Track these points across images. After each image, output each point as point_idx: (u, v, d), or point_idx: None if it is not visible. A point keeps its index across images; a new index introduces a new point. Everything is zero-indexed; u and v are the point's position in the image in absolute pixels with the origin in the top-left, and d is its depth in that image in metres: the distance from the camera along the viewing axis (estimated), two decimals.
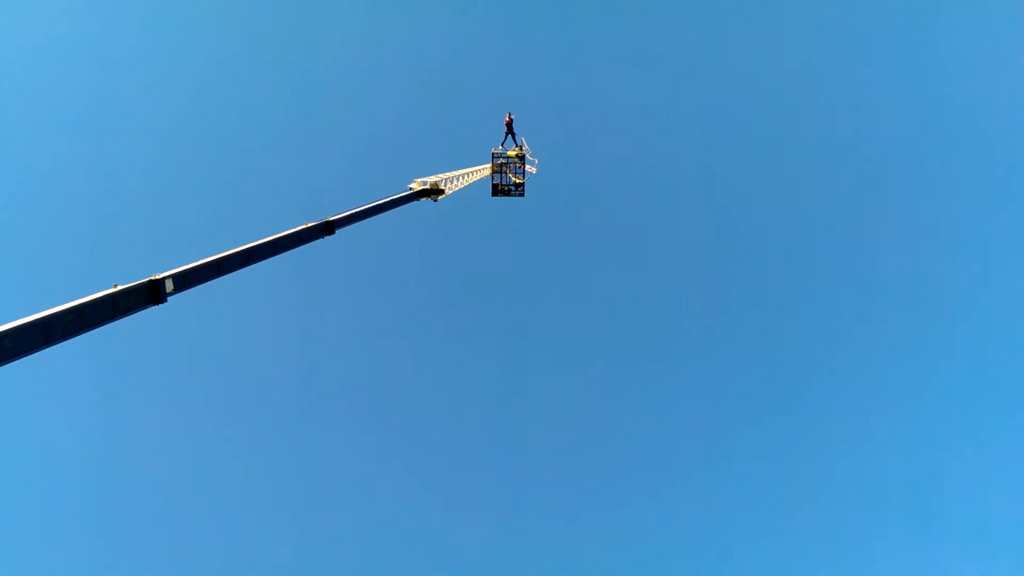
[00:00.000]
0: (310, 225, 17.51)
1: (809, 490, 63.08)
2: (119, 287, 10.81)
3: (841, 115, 69.30)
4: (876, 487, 62.00)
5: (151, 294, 11.56)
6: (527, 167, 35.17)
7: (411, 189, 26.54)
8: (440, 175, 28.62)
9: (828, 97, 69.21)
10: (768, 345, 68.75)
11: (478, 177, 33.99)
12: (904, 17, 63.82)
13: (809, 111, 70.08)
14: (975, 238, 63.98)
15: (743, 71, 69.47)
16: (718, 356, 69.27)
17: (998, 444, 61.33)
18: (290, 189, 68.72)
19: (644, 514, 63.30)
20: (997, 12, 60.92)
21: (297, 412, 66.14)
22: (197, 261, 13.03)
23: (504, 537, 62.48)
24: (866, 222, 67.76)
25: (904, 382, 65.02)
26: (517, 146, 34.90)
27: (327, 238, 18.56)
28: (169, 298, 11.97)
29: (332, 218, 18.67)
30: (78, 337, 9.99)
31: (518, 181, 35.70)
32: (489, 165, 35.16)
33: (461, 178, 31.35)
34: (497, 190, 36.10)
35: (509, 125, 34.81)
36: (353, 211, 20.08)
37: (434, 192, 27.97)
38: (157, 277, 11.69)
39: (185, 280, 12.52)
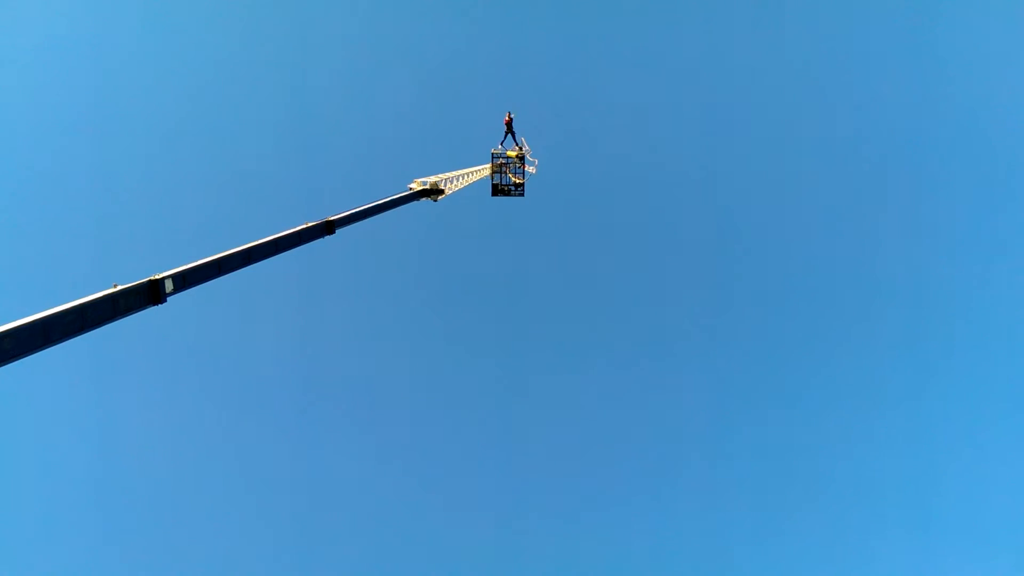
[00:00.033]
0: (310, 225, 17.51)
1: (809, 490, 63.17)
2: (119, 287, 10.81)
3: (841, 115, 69.36)
4: (876, 487, 62.10)
5: (151, 294, 11.55)
6: (527, 167, 35.18)
7: (411, 189, 26.54)
8: (440, 175, 28.62)
9: (828, 97, 69.30)
10: (768, 345, 68.84)
11: (478, 177, 33.99)
12: (904, 17, 63.89)
13: (809, 111, 70.17)
14: (975, 238, 64.06)
15: (743, 71, 69.54)
16: (718, 356, 69.35)
17: (998, 444, 61.42)
18: (290, 189, 68.78)
19: (644, 514, 63.37)
20: (997, 12, 60.98)
21: (297, 412, 66.22)
22: (197, 261, 13.02)
23: (504, 537, 62.54)
24: (866, 222, 67.82)
25: (904, 382, 65.10)
26: (517, 146, 34.90)
27: (327, 238, 18.57)
28: (169, 298, 11.96)
29: (332, 218, 18.68)
30: (78, 337, 9.99)
31: (518, 181, 35.70)
32: (489, 165, 35.17)
33: (461, 178, 31.35)
34: (497, 190, 36.11)
35: (509, 124, 34.81)
36: (353, 211, 20.08)
37: (434, 192, 27.97)
38: (157, 277, 11.68)
39: (185, 280, 12.51)
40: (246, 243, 14.76)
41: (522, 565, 60.42)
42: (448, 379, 70.41)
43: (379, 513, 63.08)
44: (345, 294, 71.87)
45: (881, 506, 61.23)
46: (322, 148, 70.47)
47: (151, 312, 11.68)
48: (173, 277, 12.10)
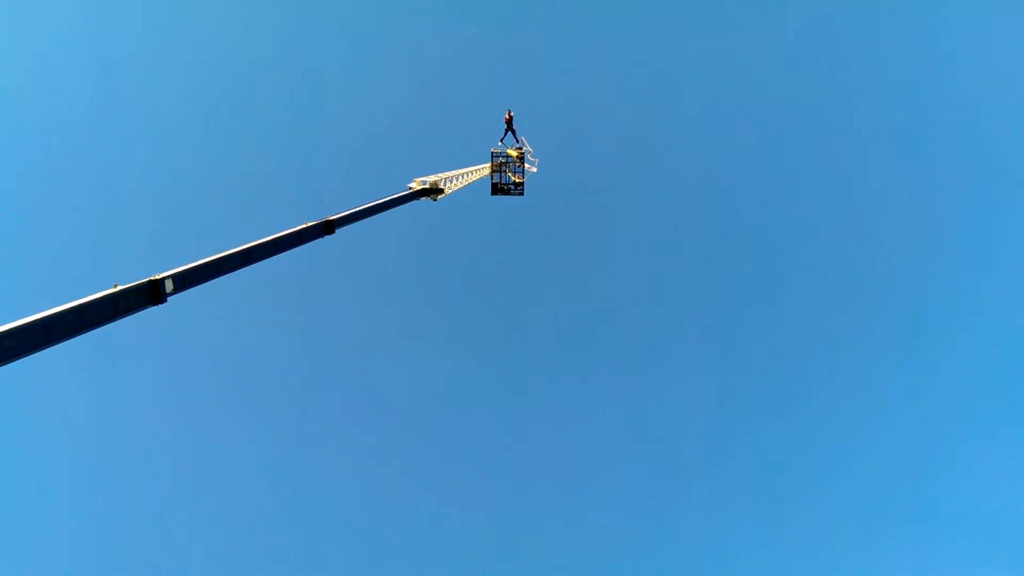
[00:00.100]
0: (310, 225, 17.51)
1: (808, 491, 63.19)
2: (119, 287, 10.81)
3: (841, 115, 69.36)
4: (875, 487, 62.12)
5: (151, 294, 11.55)
6: (527, 166, 35.18)
7: (411, 188, 26.53)
8: (440, 174, 28.61)
9: (828, 97, 69.29)
10: (768, 346, 68.85)
11: (478, 176, 33.98)
12: (904, 16, 63.86)
13: (809, 111, 70.14)
14: (976, 239, 64.06)
15: (743, 71, 69.54)
16: (718, 357, 69.37)
17: (998, 446, 61.42)
18: (290, 189, 68.80)
19: (643, 515, 63.40)
20: (997, 12, 60.95)
21: (297, 412, 66.24)
22: (197, 261, 13.02)
23: (504, 537, 62.57)
24: (866, 223, 67.84)
25: (904, 383, 65.13)
26: (518, 145, 34.89)
27: (327, 237, 18.57)
28: (169, 298, 11.96)
29: (332, 217, 18.67)
30: (78, 337, 10.00)
31: (518, 180, 35.69)
32: (488, 164, 35.17)
33: (461, 177, 31.35)
34: (496, 189, 36.11)
35: (509, 122, 34.80)
36: (353, 210, 20.08)
37: (434, 191, 27.96)
38: (157, 277, 11.69)
39: (185, 280, 12.51)
40: (246, 243, 14.75)
41: (522, 565, 60.52)
42: (448, 379, 70.52)
43: (379, 513, 63.19)
44: (345, 294, 71.99)
45: (881, 507, 61.35)
46: (322, 148, 70.58)
47: (151, 312, 11.69)
48: (173, 277, 12.10)
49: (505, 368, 70.93)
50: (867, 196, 68.14)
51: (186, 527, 58.29)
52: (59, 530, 55.00)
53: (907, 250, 66.21)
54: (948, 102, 65.15)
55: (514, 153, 34.92)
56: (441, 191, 28.56)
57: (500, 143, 34.87)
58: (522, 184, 35.82)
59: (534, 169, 35.22)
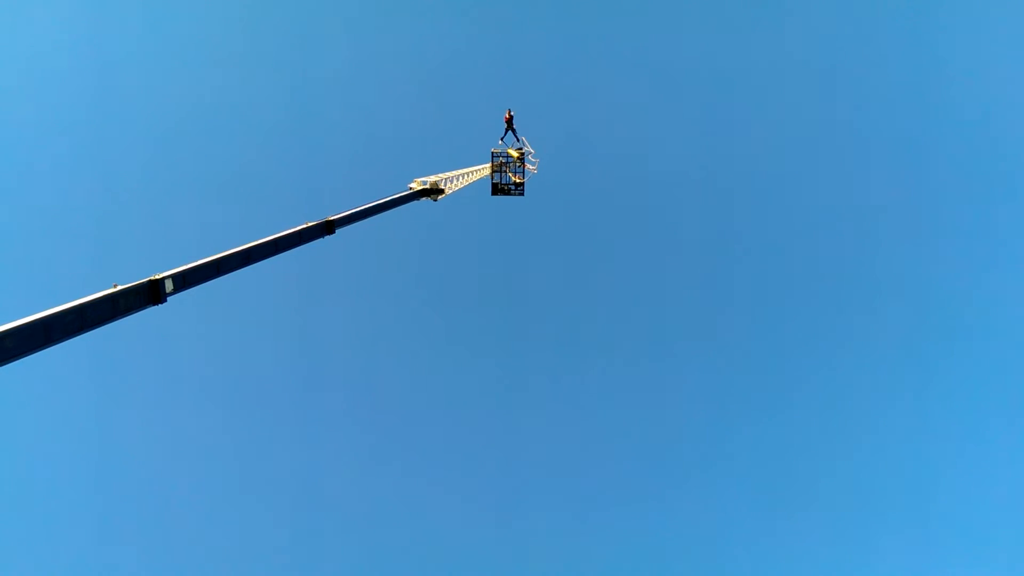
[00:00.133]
0: (310, 225, 17.52)
1: (809, 490, 63.17)
2: (119, 287, 10.81)
3: (842, 115, 69.34)
4: (875, 487, 62.10)
5: (151, 294, 11.56)
6: (528, 166, 35.18)
7: (411, 189, 26.54)
8: (440, 175, 28.62)
9: (828, 98, 69.28)
10: (767, 345, 68.85)
11: (478, 177, 33.98)
12: (904, 17, 63.86)
13: (809, 111, 70.15)
14: (976, 238, 64.05)
15: (744, 71, 69.53)
16: (717, 356, 69.36)
17: (997, 445, 61.41)
18: (290, 189, 68.82)
19: (643, 514, 63.37)
20: (997, 12, 60.94)
21: (297, 412, 66.20)
22: (197, 261, 13.03)
23: (504, 537, 62.56)
24: (865, 223, 67.82)
25: (904, 383, 65.12)
26: (518, 145, 34.89)
27: (327, 238, 18.57)
28: (169, 298, 11.97)
29: (332, 218, 18.68)
30: (78, 337, 9.99)
31: (518, 180, 35.70)
32: (489, 164, 35.18)
33: (461, 178, 31.35)
34: (497, 189, 36.12)
35: (509, 122, 34.82)
36: (353, 211, 20.08)
37: (434, 192, 27.97)
38: (157, 277, 11.69)
39: (185, 280, 12.51)
40: (246, 243, 14.76)
41: (522, 565, 60.50)
42: (448, 379, 70.51)
43: (379, 513, 63.17)
44: (345, 294, 71.99)
45: (880, 507, 61.34)
46: (322, 148, 70.57)
47: (151, 312, 11.69)
48: (173, 277, 12.10)
49: (505, 368, 71.02)
50: (867, 196, 68.19)
51: (186, 527, 58.34)
52: (59, 530, 55.04)
53: (907, 250, 66.27)
54: (948, 102, 65.20)
55: (515, 153, 34.93)
56: (441, 191, 28.57)
57: (500, 142, 34.91)
58: (522, 184, 35.83)
59: (534, 169, 35.24)
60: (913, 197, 66.64)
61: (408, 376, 70.77)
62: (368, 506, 63.29)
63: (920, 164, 66.45)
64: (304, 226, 17.26)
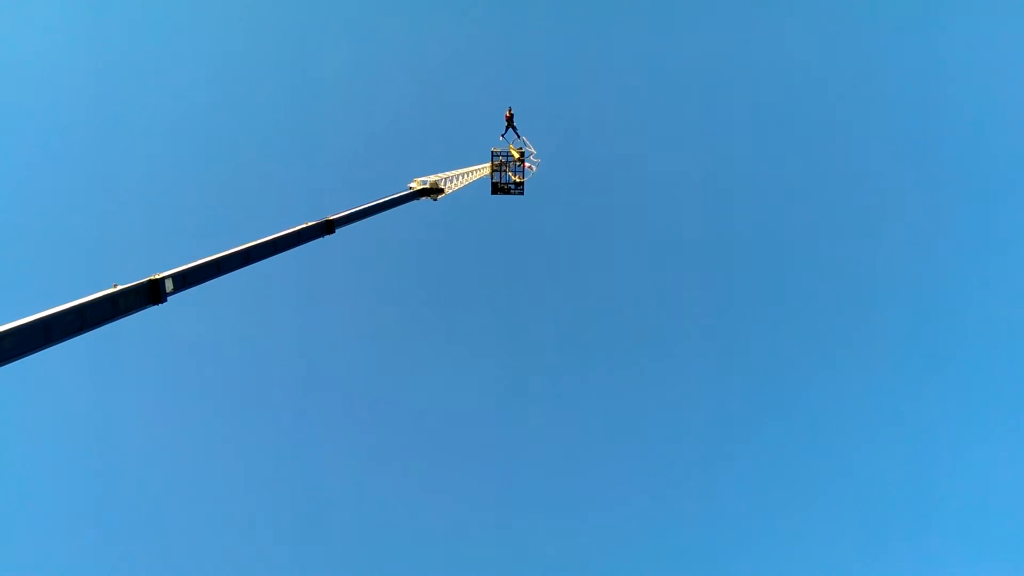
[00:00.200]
0: (310, 224, 17.53)
1: (808, 490, 63.18)
2: (119, 287, 10.82)
3: (841, 116, 69.34)
4: (875, 488, 62.11)
5: (151, 294, 11.56)
6: (528, 165, 35.18)
7: (411, 188, 26.55)
8: (440, 174, 28.63)
9: (828, 98, 69.27)
10: (768, 345, 68.85)
11: (478, 176, 33.99)
12: (904, 17, 63.84)
13: (809, 111, 70.13)
14: (976, 239, 64.04)
15: (744, 71, 69.52)
16: (718, 357, 69.36)
17: (998, 446, 61.42)
18: (290, 189, 68.83)
19: (643, 515, 63.39)
20: (997, 12, 60.93)
21: (297, 412, 66.26)
22: (197, 261, 13.04)
23: (504, 537, 62.57)
24: (867, 224, 67.82)
25: (904, 382, 65.13)
26: (520, 144, 34.89)
27: (327, 237, 18.58)
28: (169, 298, 11.98)
29: (332, 217, 18.69)
30: (78, 337, 9.99)
31: (518, 180, 35.71)
32: (489, 164, 35.20)
33: (461, 177, 31.35)
34: (496, 188, 36.14)
35: (509, 120, 34.83)
36: (353, 210, 20.09)
37: (434, 191, 27.98)
38: (157, 277, 11.69)
39: (185, 280, 12.52)
40: (246, 243, 14.77)
41: (522, 565, 60.52)
42: (448, 378, 70.54)
43: (379, 512, 63.18)
44: (345, 294, 72.01)
45: (881, 506, 61.35)
46: (322, 148, 70.58)
47: (151, 312, 11.70)
48: (173, 277, 12.11)
49: (505, 368, 71.03)
50: (867, 196, 68.20)
51: (186, 526, 58.35)
52: (59, 530, 55.06)
53: (908, 251, 66.26)
54: (948, 102, 65.19)
55: (516, 153, 34.94)
56: (441, 191, 28.57)
57: (501, 138, 34.89)
58: (522, 184, 35.85)
59: (534, 169, 35.24)
60: (915, 197, 66.70)
61: (408, 376, 70.85)
62: (368, 506, 63.37)
63: (925, 165, 66.53)
64: (304, 226, 17.27)
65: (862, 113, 68.53)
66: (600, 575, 60.29)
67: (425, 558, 59.90)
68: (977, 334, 63.01)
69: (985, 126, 63.60)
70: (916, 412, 63.56)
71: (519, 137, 34.89)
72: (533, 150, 34.95)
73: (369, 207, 21.27)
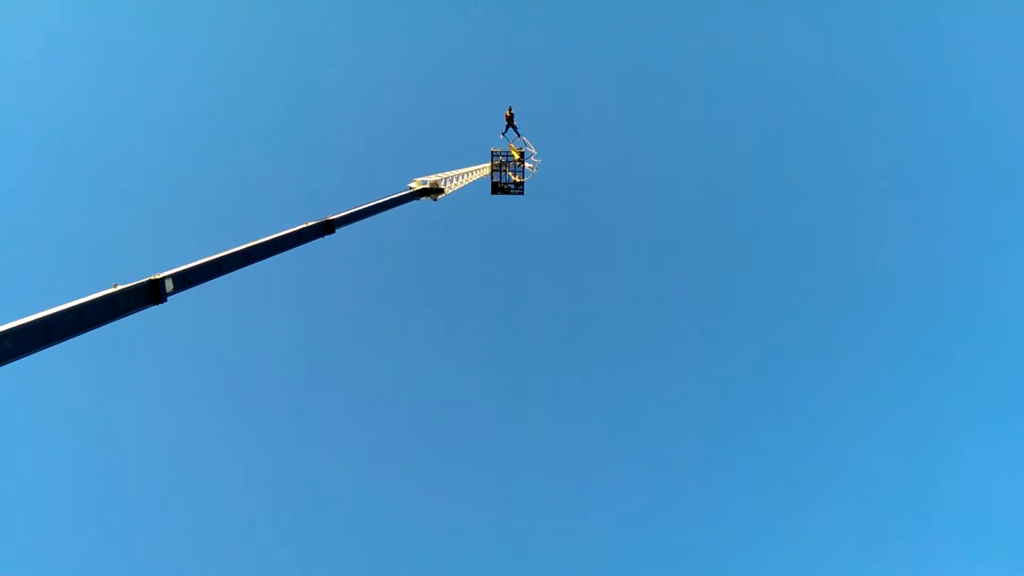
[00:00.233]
0: (310, 224, 17.52)
1: (808, 490, 63.18)
2: (119, 287, 10.81)
3: (842, 116, 69.34)
4: (875, 487, 62.11)
5: (151, 294, 11.55)
6: (528, 165, 35.17)
7: (411, 188, 26.55)
8: (440, 174, 28.63)
9: (829, 98, 69.27)
10: (768, 345, 68.84)
11: (478, 176, 33.99)
12: (904, 17, 63.84)
13: (809, 111, 70.13)
14: (976, 238, 64.04)
15: (745, 70, 69.51)
16: (718, 357, 69.36)
17: (998, 446, 61.42)
18: (290, 189, 68.83)
19: (643, 515, 63.38)
20: (997, 12, 60.93)
21: (297, 412, 66.26)
22: (197, 261, 13.03)
23: (504, 537, 62.57)
24: (866, 224, 67.83)
25: (904, 382, 65.13)
26: (520, 145, 34.88)
27: (327, 237, 18.58)
28: (169, 298, 11.97)
29: (332, 217, 18.68)
30: (78, 337, 9.99)
31: (518, 180, 35.71)
32: (489, 164, 35.20)
33: (461, 177, 31.36)
34: (496, 188, 36.15)
35: (510, 119, 34.83)
36: (353, 210, 20.08)
37: (434, 191, 27.98)
38: (157, 277, 11.69)
39: (185, 280, 12.51)
40: (246, 243, 14.76)
41: (522, 565, 60.52)
42: (448, 378, 70.53)
43: (379, 512, 63.17)
44: (345, 294, 72.01)
45: (881, 506, 61.35)
46: (322, 148, 70.57)
47: (151, 312, 11.69)
48: (173, 277, 12.10)
49: (505, 367, 71.02)
50: (866, 196, 68.20)
51: (187, 526, 58.34)
52: (60, 529, 55.05)
53: (908, 250, 66.26)
54: (948, 102, 65.19)
55: (516, 154, 34.93)
56: (441, 191, 28.58)
57: (502, 136, 34.87)
58: (522, 183, 35.85)
59: (534, 169, 35.22)
60: (915, 197, 66.69)
61: (408, 376, 70.86)
62: (368, 506, 63.36)
63: (926, 165, 66.51)
64: (304, 226, 17.27)
65: (862, 113, 68.57)
66: (600, 575, 60.37)
67: (425, 558, 59.97)
68: (977, 334, 63.09)
69: (985, 126, 63.67)
70: (916, 412, 63.62)
71: (519, 136, 34.91)
72: (534, 150, 34.96)
73: (369, 207, 21.26)
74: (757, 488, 63.13)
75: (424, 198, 27.42)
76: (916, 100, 66.55)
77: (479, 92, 71.36)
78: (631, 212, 73.29)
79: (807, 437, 65.49)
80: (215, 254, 13.61)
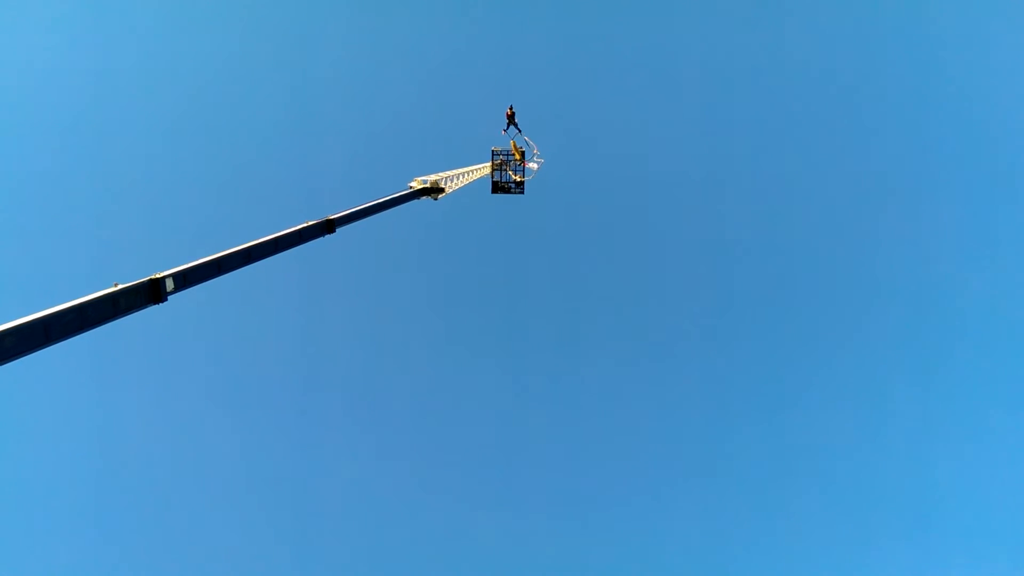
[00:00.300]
0: (310, 224, 17.52)
1: (808, 490, 63.16)
2: (119, 286, 10.79)
3: (842, 116, 69.32)
4: (875, 488, 62.10)
5: (151, 293, 11.54)
6: (530, 164, 35.13)
7: (411, 188, 26.53)
8: (440, 174, 28.62)
9: (829, 98, 69.24)
10: (767, 345, 68.83)
11: (478, 175, 33.96)
12: (904, 17, 63.80)
13: (809, 112, 70.11)
14: (976, 238, 64.02)
15: (745, 70, 69.49)
16: (718, 357, 69.35)
17: (998, 446, 61.41)
18: (290, 189, 68.83)
19: (643, 515, 63.39)
20: (997, 12, 60.90)
21: (297, 411, 66.26)
22: (197, 260, 13.01)
23: (504, 537, 62.57)
24: (866, 223, 67.80)
25: (907, 383, 65.10)
26: (522, 143, 34.84)
27: (327, 237, 18.57)
28: (169, 297, 11.95)
29: (332, 216, 18.68)
30: (78, 336, 9.97)
31: (518, 179, 35.67)
32: (489, 163, 35.17)
33: (461, 176, 31.33)
34: (497, 187, 36.12)
35: (511, 117, 34.79)
36: (353, 210, 20.08)
37: (434, 191, 27.96)
38: (157, 276, 11.67)
39: (185, 279, 12.50)
40: (246, 242, 14.75)
41: (522, 565, 60.51)
42: (448, 378, 70.53)
43: (379, 512, 63.18)
44: (345, 293, 72.01)
45: (880, 507, 61.34)
46: (322, 148, 70.58)
47: (151, 311, 11.68)
48: (174, 276, 12.09)
49: (506, 367, 71.03)
50: (867, 196, 68.17)
51: (187, 526, 58.35)
52: (60, 529, 55.06)
53: (907, 250, 66.25)
54: (948, 101, 65.16)
55: (517, 153, 34.90)
56: (441, 190, 28.56)
57: (503, 133, 34.79)
58: (523, 183, 35.82)
59: (535, 168, 35.17)
60: (915, 197, 66.68)
61: (408, 375, 70.87)
62: (368, 505, 63.37)
63: (925, 165, 66.49)
64: (304, 225, 17.27)
65: (861, 112, 68.55)
66: (600, 575, 60.37)
67: (425, 558, 59.96)
68: (977, 333, 63.06)
69: (984, 126, 63.64)
70: (916, 411, 63.58)
71: (520, 134, 34.83)
72: (536, 148, 34.91)
73: (369, 206, 21.26)
74: (757, 487, 63.20)
75: (424, 197, 27.41)
76: (916, 100, 66.59)
77: (479, 91, 71.45)
78: (631, 212, 73.35)
79: (807, 436, 65.53)
80: (216, 253, 13.60)
